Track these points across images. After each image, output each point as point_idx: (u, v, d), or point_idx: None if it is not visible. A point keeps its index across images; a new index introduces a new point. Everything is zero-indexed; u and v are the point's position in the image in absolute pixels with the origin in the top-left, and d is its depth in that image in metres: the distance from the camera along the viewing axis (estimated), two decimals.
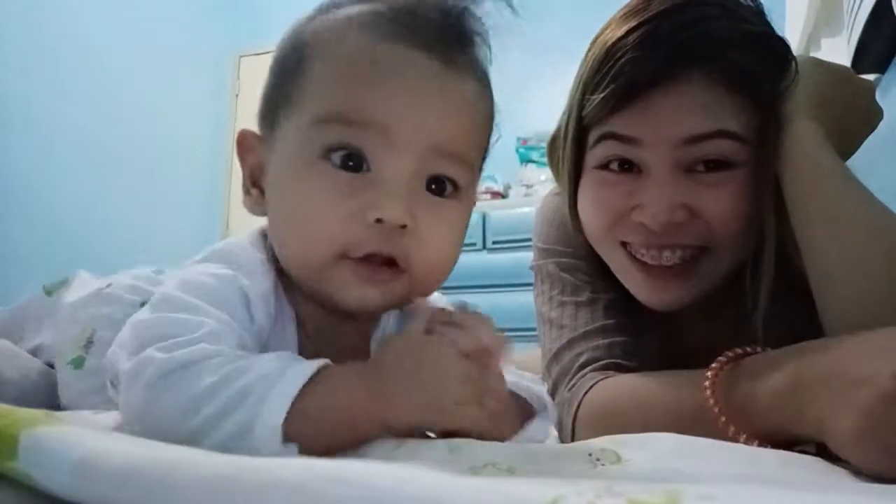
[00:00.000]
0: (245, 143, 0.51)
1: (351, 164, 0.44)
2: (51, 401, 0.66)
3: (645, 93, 0.56)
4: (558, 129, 0.69)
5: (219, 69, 3.87)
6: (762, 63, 0.57)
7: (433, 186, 0.47)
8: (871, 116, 0.62)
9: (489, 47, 0.49)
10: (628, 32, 0.57)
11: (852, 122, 0.60)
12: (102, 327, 0.65)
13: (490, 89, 0.51)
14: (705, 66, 0.55)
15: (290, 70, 0.47)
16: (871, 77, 0.97)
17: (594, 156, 0.62)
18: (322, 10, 0.49)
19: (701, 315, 0.66)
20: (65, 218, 2.91)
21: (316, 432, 0.36)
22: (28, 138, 2.77)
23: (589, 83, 0.60)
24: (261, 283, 0.46)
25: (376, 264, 0.45)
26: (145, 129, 3.33)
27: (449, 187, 0.47)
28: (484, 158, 0.52)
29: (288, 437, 0.35)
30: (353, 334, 0.52)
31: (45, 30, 2.85)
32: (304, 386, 0.36)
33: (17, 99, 2.74)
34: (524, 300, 0.95)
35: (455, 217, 0.48)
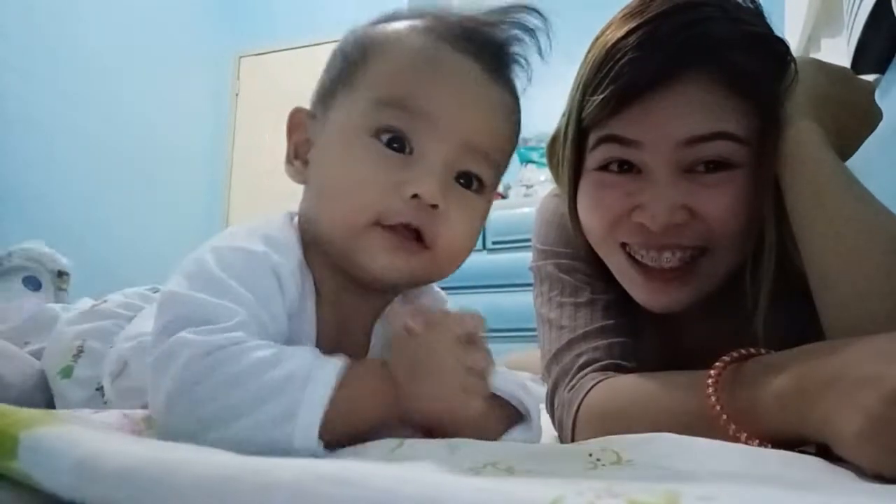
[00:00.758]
0: (295, 119, 0.57)
1: (396, 145, 0.49)
2: (51, 401, 0.67)
3: (644, 94, 0.56)
4: (558, 131, 0.69)
5: (219, 69, 3.87)
6: (762, 64, 0.57)
7: (461, 181, 0.52)
8: (871, 117, 0.62)
9: (528, 78, 0.56)
10: (628, 33, 0.57)
11: (852, 123, 0.59)
12: (93, 338, 0.66)
13: (519, 110, 0.57)
14: (705, 67, 0.55)
15: (353, 60, 0.53)
16: (871, 77, 0.97)
17: (594, 158, 0.62)
18: (387, 17, 0.55)
19: (701, 315, 0.66)
20: (65, 218, 2.91)
21: (342, 425, 0.40)
22: (28, 138, 2.77)
23: (588, 84, 0.60)
24: (291, 260, 0.50)
25: (405, 236, 0.49)
26: (145, 129, 3.33)
27: (475, 183, 0.53)
28: (506, 166, 0.57)
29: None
30: (362, 309, 0.55)
31: (45, 30, 2.85)
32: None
33: (17, 99, 2.74)
34: (524, 300, 0.95)
35: (478, 210, 0.53)
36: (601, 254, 0.66)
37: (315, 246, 0.53)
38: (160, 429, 0.42)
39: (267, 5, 3.85)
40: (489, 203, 0.55)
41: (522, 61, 0.55)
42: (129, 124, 3.24)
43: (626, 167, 0.60)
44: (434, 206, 0.48)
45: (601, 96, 0.57)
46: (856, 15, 0.99)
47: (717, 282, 0.62)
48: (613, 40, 0.58)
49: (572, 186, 0.66)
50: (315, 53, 3.66)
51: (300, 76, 3.63)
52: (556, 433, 0.66)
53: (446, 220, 0.50)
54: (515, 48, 0.54)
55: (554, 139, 0.70)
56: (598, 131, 0.60)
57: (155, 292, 0.74)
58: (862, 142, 0.62)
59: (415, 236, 0.49)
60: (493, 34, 0.53)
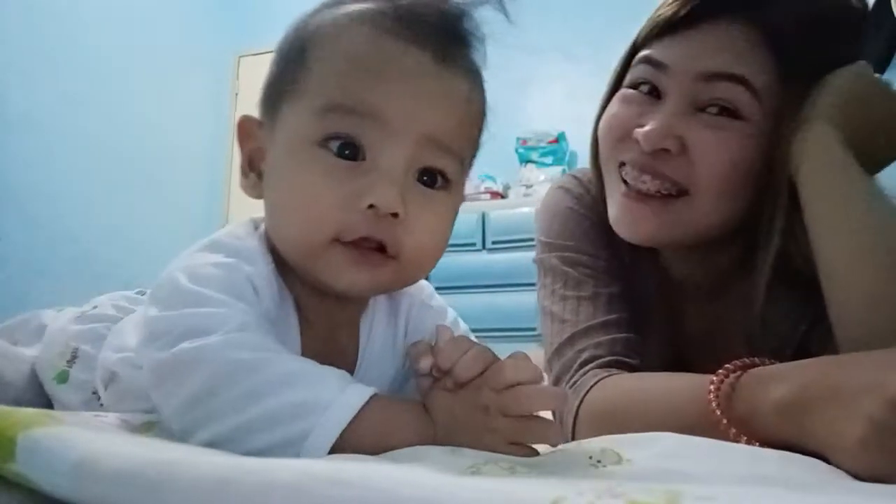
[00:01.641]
0: (245, 127, 0.53)
1: (347, 152, 0.46)
2: (49, 401, 0.67)
3: (684, 25, 0.60)
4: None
5: (219, 69, 3.87)
6: (808, 38, 0.58)
7: (425, 178, 0.48)
8: None
9: (484, 51, 0.51)
10: None
11: (880, 138, 0.58)
12: (86, 342, 0.65)
13: (483, 89, 0.52)
14: (749, 15, 0.58)
15: (293, 60, 0.49)
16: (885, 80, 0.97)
17: (630, 76, 0.65)
18: (326, 6, 0.51)
19: (705, 305, 0.66)
20: (65, 218, 2.91)
21: (355, 449, 0.38)
22: (28, 138, 2.77)
23: (655, 10, 0.64)
24: (262, 268, 0.48)
25: (367, 249, 0.46)
26: (145, 129, 3.33)
27: (440, 180, 0.49)
28: (474, 155, 0.54)
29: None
30: (343, 318, 0.54)
31: (45, 30, 2.85)
32: (357, 415, 0.39)
33: (18, 99, 2.74)
34: (524, 300, 0.95)
35: (444, 209, 0.50)
36: (604, 170, 0.67)
37: (283, 257, 0.50)
38: (163, 429, 0.42)
39: (267, 5, 3.84)
40: (458, 198, 0.52)
41: (476, 37, 0.50)
42: (129, 124, 3.24)
43: (654, 94, 0.63)
44: (394, 215, 0.45)
45: (652, 18, 0.63)
46: None
47: (694, 232, 0.62)
48: None
49: (606, 101, 0.68)
50: None
51: None
52: None
53: (409, 228, 0.46)
54: (467, 24, 0.50)
55: None
56: (641, 52, 0.64)
57: (142, 294, 0.74)
58: (888, 164, 0.60)
59: (378, 247, 0.46)
60: (439, 13, 0.49)
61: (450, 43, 0.49)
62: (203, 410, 0.39)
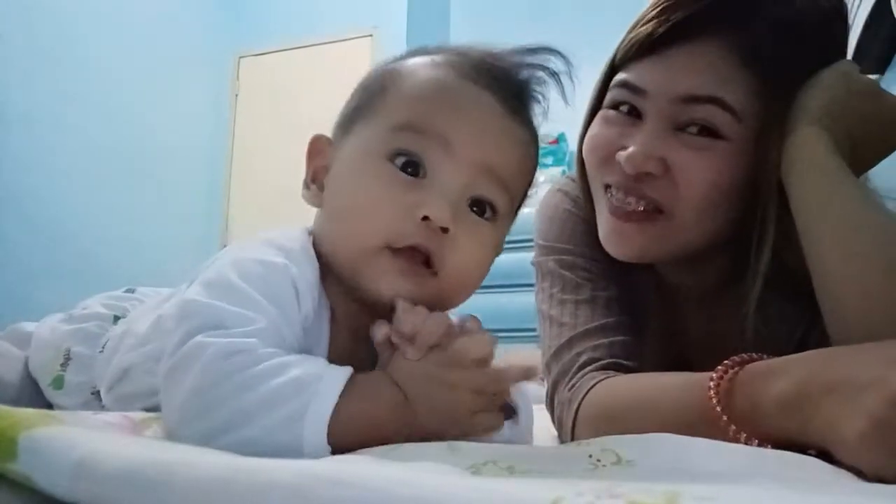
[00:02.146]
0: (316, 145, 0.57)
1: (410, 169, 0.49)
2: (48, 400, 0.67)
3: (661, 47, 0.59)
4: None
5: (219, 70, 3.87)
6: (788, 51, 0.57)
7: (475, 208, 0.51)
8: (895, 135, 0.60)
9: (544, 115, 0.57)
10: None
11: (869, 138, 0.58)
12: (77, 343, 0.65)
13: (538, 147, 0.57)
14: (726, 35, 0.57)
15: (374, 91, 0.54)
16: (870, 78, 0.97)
17: (609, 97, 0.65)
18: (411, 53, 0.56)
19: (703, 310, 0.66)
20: (65, 219, 2.92)
21: (355, 432, 0.40)
22: (28, 139, 2.77)
23: (631, 27, 0.63)
24: (308, 273, 0.50)
25: (413, 260, 0.49)
26: (145, 129, 3.34)
27: (489, 211, 0.52)
28: (523, 199, 0.58)
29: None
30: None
31: (45, 31, 2.85)
32: (345, 389, 0.41)
33: (17, 100, 2.74)
34: (524, 300, 0.95)
35: (489, 239, 0.53)
36: (592, 189, 0.68)
37: (327, 266, 0.52)
38: (167, 435, 0.42)
39: (267, 5, 3.85)
40: (502, 233, 0.55)
41: (541, 100, 0.55)
42: (129, 124, 3.24)
43: (634, 113, 0.62)
44: (444, 230, 0.48)
45: (628, 38, 0.62)
46: (856, 15, 0.99)
47: (681, 248, 0.62)
48: None
49: (589, 121, 0.68)
50: (315, 53, 3.66)
51: (300, 76, 3.66)
52: (555, 432, 0.66)
53: (455, 246, 0.49)
54: (535, 86, 0.55)
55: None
56: (620, 74, 0.64)
57: (132, 293, 0.73)
58: (881, 159, 0.60)
59: (423, 260, 0.49)
60: (514, 72, 0.54)
61: (519, 98, 0.54)
62: (201, 402, 0.40)
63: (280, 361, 0.41)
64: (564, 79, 0.55)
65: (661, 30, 0.59)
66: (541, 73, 0.55)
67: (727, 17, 0.57)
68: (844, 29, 0.63)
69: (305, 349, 0.47)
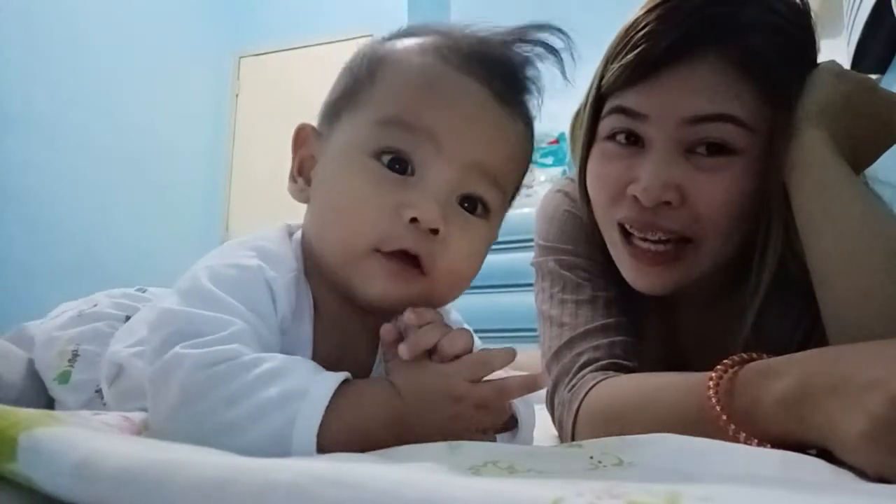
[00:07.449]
0: (301, 135, 0.55)
1: (397, 166, 0.48)
2: (50, 401, 0.67)
3: (657, 68, 0.57)
4: (583, 101, 0.69)
5: (219, 69, 3.87)
6: (781, 55, 0.57)
7: (465, 204, 0.49)
8: (893, 130, 0.60)
9: (540, 101, 0.54)
10: (653, 7, 0.58)
11: (868, 135, 0.58)
12: (87, 342, 0.66)
13: (533, 137, 0.55)
14: (720, 49, 0.56)
15: (361, 78, 0.51)
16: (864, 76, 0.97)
17: (604, 126, 0.63)
18: (399, 34, 0.54)
19: (702, 311, 0.66)
20: (65, 219, 2.91)
21: (337, 444, 0.38)
22: (28, 139, 2.77)
23: (611, 54, 0.61)
24: (285, 274, 0.49)
25: (403, 262, 0.47)
26: (145, 129, 3.33)
27: (480, 208, 0.50)
28: (515, 194, 0.56)
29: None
30: (363, 329, 0.53)
31: (44, 31, 2.85)
32: (331, 399, 0.39)
33: (17, 100, 2.74)
34: (524, 300, 0.95)
35: (480, 236, 0.51)
36: (604, 232, 0.66)
37: (314, 263, 0.52)
38: (162, 433, 0.42)
39: (267, 5, 3.84)
40: (494, 230, 0.53)
41: (536, 86, 0.53)
42: (129, 124, 3.24)
43: (632, 139, 0.61)
44: (434, 231, 0.47)
45: (618, 65, 0.59)
46: (856, 15, 0.99)
47: (706, 270, 0.62)
48: (640, 13, 0.59)
49: (585, 154, 0.66)
50: (315, 53, 3.65)
51: (300, 76, 3.65)
52: (556, 433, 0.66)
53: (446, 246, 0.48)
54: (529, 72, 0.52)
55: (578, 112, 0.71)
56: (612, 101, 0.62)
57: (143, 292, 0.74)
58: (880, 154, 0.60)
59: (413, 262, 0.47)
60: (505, 57, 0.51)
61: (510, 85, 0.51)
62: (186, 415, 0.39)
63: (266, 369, 0.40)
64: (565, 55, 0.52)
65: (653, 53, 0.57)
66: (540, 50, 0.52)
67: (717, 33, 0.56)
68: (812, 22, 0.62)
69: (285, 350, 0.46)
